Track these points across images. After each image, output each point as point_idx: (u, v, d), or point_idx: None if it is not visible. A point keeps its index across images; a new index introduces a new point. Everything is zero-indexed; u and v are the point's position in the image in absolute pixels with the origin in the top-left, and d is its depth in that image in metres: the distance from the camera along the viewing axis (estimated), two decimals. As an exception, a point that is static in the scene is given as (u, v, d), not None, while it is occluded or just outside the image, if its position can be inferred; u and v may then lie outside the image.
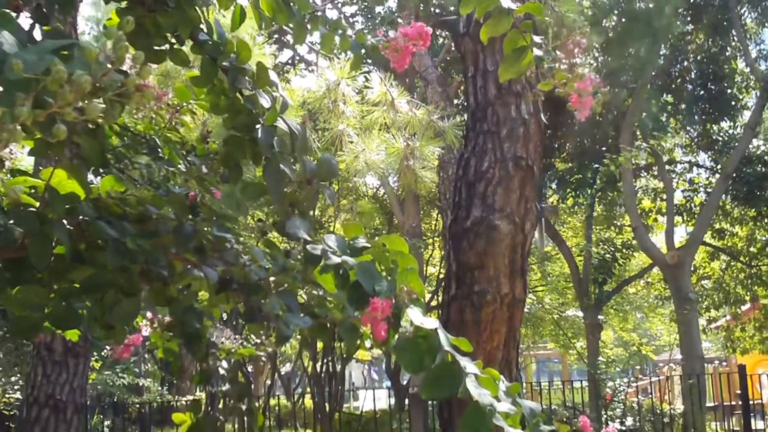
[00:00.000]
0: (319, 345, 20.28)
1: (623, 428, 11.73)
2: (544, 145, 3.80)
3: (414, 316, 1.68)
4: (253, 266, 2.11)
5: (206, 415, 2.39)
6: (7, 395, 10.40)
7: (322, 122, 4.90)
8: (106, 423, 17.51)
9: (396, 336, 1.73)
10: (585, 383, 14.42)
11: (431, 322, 1.68)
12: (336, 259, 1.79)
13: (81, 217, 1.80)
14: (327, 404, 18.00)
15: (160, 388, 17.97)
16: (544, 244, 13.25)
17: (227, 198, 2.30)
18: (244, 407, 2.47)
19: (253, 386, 24.23)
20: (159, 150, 2.30)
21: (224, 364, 2.51)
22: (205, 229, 2.09)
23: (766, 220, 14.84)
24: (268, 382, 22.76)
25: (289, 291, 2.26)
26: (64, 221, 1.77)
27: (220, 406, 2.46)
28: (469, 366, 1.64)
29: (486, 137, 3.26)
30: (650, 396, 14.23)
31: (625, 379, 12.83)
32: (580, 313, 16.40)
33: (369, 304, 1.69)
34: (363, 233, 1.94)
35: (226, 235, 2.12)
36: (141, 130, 2.41)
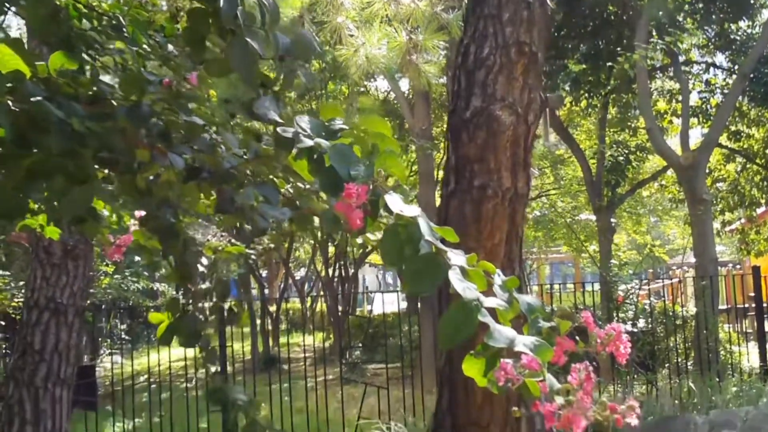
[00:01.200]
0: (332, 250, 20.36)
1: (634, 330, 11.69)
2: (551, 32, 3.55)
3: (393, 202, 1.51)
4: (225, 153, 1.93)
5: (185, 314, 2.25)
6: (16, 300, 10.45)
7: (320, 14, 4.65)
8: (122, 327, 17.74)
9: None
10: (597, 286, 14.37)
11: (412, 210, 1.50)
12: (308, 142, 1.60)
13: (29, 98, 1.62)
14: (339, 308, 18.14)
15: (175, 293, 18.09)
16: (549, 136, 12.97)
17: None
18: (226, 306, 2.33)
19: (267, 291, 24.41)
20: (124, 30, 2.09)
21: (204, 261, 2.35)
22: (174, 117, 1.90)
23: (783, 121, 14.51)
24: (282, 286, 22.87)
25: (269, 182, 2.08)
26: (9, 102, 1.59)
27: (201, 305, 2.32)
28: (455, 257, 1.48)
29: (487, 21, 3.02)
30: (662, 298, 14.18)
31: (637, 282, 12.73)
32: (593, 217, 16.24)
33: (343, 190, 1.51)
34: (342, 115, 1.75)
35: (196, 120, 1.93)
36: (106, 9, 2.20)
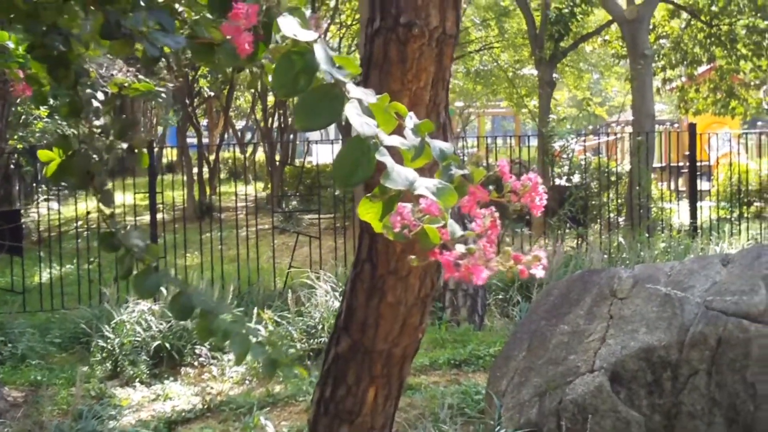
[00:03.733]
0: (272, 99, 19.99)
1: (568, 184, 11.80)
2: None
3: (286, 25, 1.33)
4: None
5: (77, 152, 2.07)
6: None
7: None
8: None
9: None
10: (535, 141, 14.40)
11: (309, 35, 1.34)
12: (195, -45, 1.41)
13: None
14: (277, 157, 17.99)
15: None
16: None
17: None
18: (125, 145, 2.15)
19: (207, 140, 24.08)
20: None
21: (100, 96, 2.16)
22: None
23: (731, -22, 14.32)
24: (222, 135, 22.50)
25: (162, 6, 1.88)
26: None
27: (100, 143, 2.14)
28: (355, 90, 1.33)
29: None
30: (599, 155, 14.31)
31: (575, 137, 12.77)
32: (535, 71, 16.11)
33: (231, 9, 1.33)
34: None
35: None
36: None
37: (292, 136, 19.34)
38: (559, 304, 4.89)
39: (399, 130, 1.39)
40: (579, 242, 10.61)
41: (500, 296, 8.06)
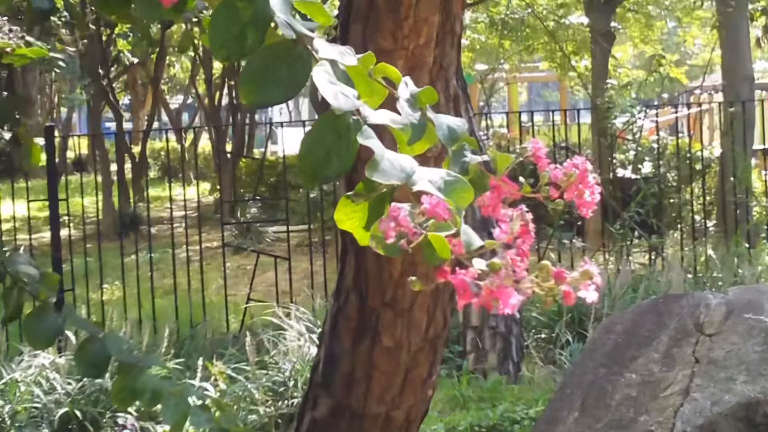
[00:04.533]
0: (218, 66, 19.96)
1: (636, 176, 11.82)
2: None
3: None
4: None
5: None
6: None
7: None
8: None
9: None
10: (588, 117, 14.41)
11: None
12: None
13: None
14: (228, 147, 18.00)
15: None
16: None
17: None
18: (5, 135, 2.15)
19: (131, 125, 24.07)
20: None
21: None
22: None
23: None
24: (150, 117, 22.52)
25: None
26: None
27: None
28: (326, 48, 1.33)
29: None
30: (678, 134, 14.30)
31: (644, 111, 12.75)
32: (586, 20, 16.15)
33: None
34: None
35: None
36: None
37: (248, 118, 19.36)
38: (624, 345, 4.90)
39: (391, 103, 1.39)
40: (652, 257, 10.63)
41: (543, 335, 8.06)
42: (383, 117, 1.31)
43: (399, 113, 1.37)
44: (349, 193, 1.31)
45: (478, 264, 1.21)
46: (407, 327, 3.01)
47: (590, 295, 1.19)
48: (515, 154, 1.41)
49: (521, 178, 1.41)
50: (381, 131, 1.30)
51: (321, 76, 1.27)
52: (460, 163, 1.41)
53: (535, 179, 1.40)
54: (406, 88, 1.42)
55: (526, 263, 1.23)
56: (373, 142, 1.24)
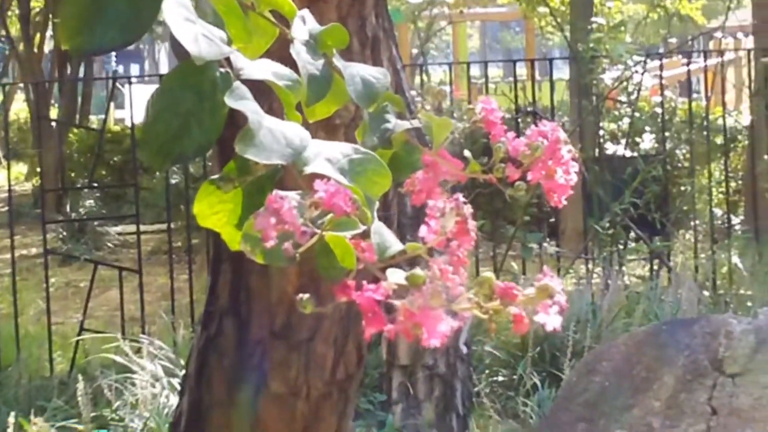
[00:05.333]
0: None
1: (633, 153, 11.93)
2: None
3: None
4: None
5: None
6: None
7: None
8: None
9: None
10: (567, 71, 14.46)
11: None
12: None
13: None
14: (53, 112, 17.83)
15: None
16: None
17: None
18: None
19: None
20: None
21: None
22: None
23: None
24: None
25: None
26: None
27: None
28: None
29: None
30: (692, 95, 14.44)
31: (641, 62, 12.84)
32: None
33: None
34: None
35: None
36: None
37: (83, 71, 19.24)
38: (613, 390, 4.95)
39: (282, 49, 1.41)
40: (654, 267, 10.73)
41: (500, 377, 8.12)
42: (263, 70, 1.33)
43: (296, 59, 1.39)
44: (213, 177, 1.32)
45: (395, 277, 1.22)
46: (306, 366, 3.03)
47: (551, 321, 1.20)
48: (459, 119, 1.43)
49: (467, 152, 1.43)
50: (262, 91, 1.32)
51: (174, 11, 1.28)
52: (379, 132, 1.43)
53: (490, 156, 1.41)
54: (303, 26, 1.44)
55: (464, 276, 1.24)
56: (246, 105, 1.25)
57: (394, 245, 1.25)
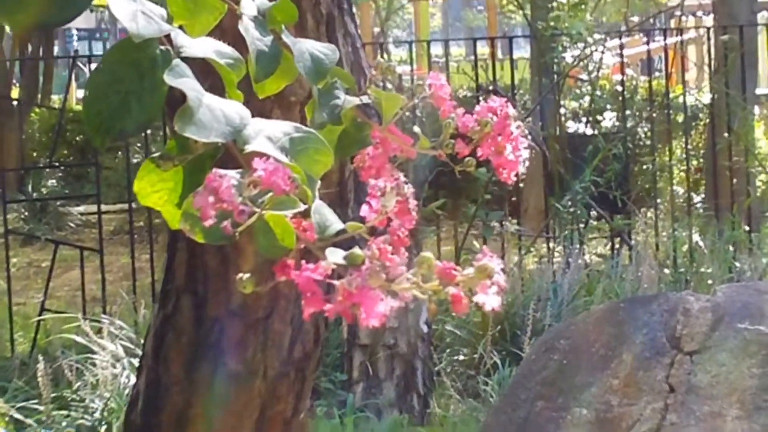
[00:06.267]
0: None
1: (594, 132, 11.92)
2: None
3: None
4: None
5: None
6: None
7: None
8: None
9: None
10: (528, 49, 14.45)
11: None
12: None
13: None
14: (14, 92, 17.74)
15: None
16: None
17: None
18: None
19: None
20: None
21: None
22: None
23: None
24: None
25: None
26: None
27: None
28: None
29: None
30: (653, 74, 14.45)
31: (602, 40, 12.83)
32: None
33: None
34: None
35: None
36: None
37: (43, 49, 19.15)
38: (571, 369, 4.95)
39: (231, 26, 1.40)
40: (615, 246, 10.74)
41: (461, 356, 8.11)
42: (204, 47, 1.32)
43: (243, 35, 1.38)
44: (154, 155, 1.31)
45: (334, 257, 1.21)
46: (263, 345, 3.02)
47: (489, 301, 1.19)
48: (408, 94, 1.42)
49: (416, 128, 1.42)
50: (205, 68, 1.31)
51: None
52: (329, 108, 1.43)
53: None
54: (251, 2, 1.43)
55: (404, 255, 1.23)
56: (185, 83, 1.24)
57: (335, 224, 1.25)
